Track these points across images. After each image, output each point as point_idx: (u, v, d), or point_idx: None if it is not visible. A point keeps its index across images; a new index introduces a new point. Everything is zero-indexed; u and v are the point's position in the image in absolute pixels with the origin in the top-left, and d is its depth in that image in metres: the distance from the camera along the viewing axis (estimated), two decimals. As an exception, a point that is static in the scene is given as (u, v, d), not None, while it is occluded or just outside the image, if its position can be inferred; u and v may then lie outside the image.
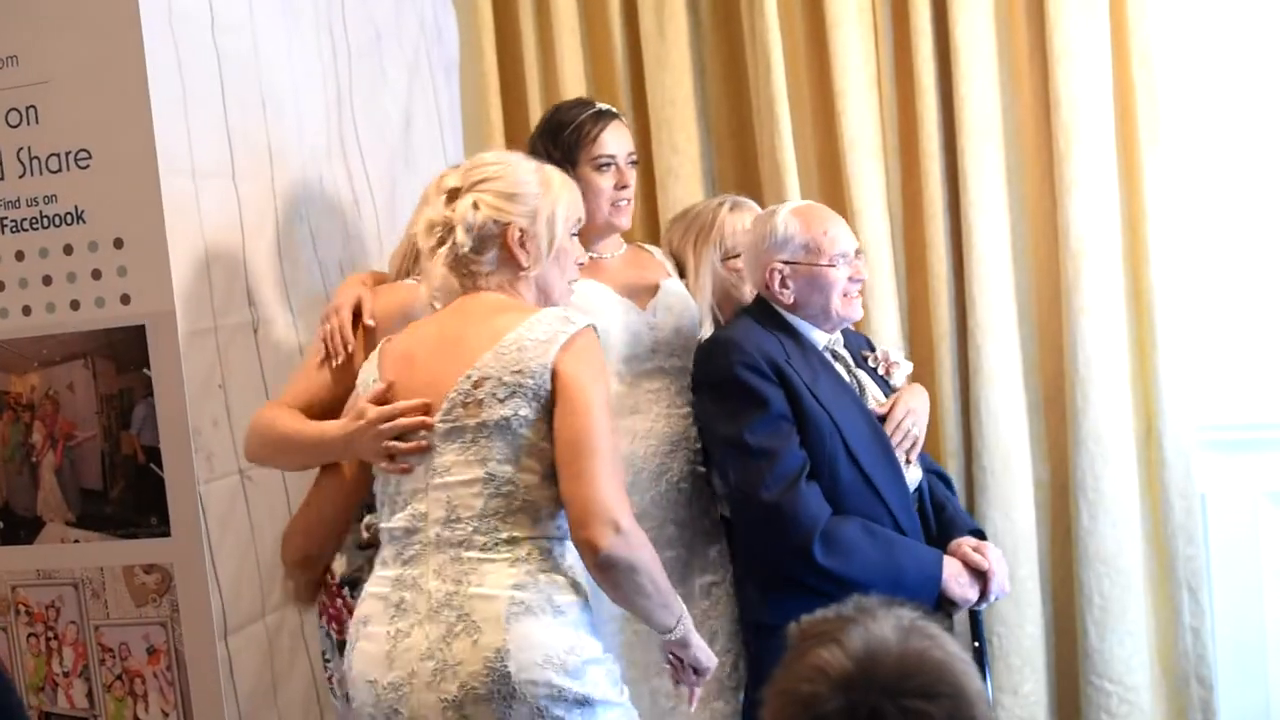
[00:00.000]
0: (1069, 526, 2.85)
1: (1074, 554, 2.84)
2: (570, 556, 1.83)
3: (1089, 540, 2.79)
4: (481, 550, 1.80)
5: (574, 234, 1.96)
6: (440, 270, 1.90)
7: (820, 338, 2.32)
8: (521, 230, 1.87)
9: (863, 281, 2.34)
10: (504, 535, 1.80)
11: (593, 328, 1.84)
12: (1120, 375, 2.80)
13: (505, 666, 1.75)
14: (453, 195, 1.90)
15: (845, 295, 2.29)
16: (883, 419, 2.28)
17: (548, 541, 1.82)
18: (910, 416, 2.26)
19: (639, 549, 1.77)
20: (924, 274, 2.93)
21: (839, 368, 2.32)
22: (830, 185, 2.98)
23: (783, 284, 2.28)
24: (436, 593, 1.79)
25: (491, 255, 1.88)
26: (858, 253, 2.34)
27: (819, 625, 1.19)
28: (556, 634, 1.77)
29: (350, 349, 2.11)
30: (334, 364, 2.11)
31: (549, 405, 1.80)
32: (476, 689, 1.75)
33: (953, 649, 1.15)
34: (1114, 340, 2.80)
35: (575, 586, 1.83)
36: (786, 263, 2.27)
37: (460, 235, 1.86)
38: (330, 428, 1.97)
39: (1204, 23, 2.88)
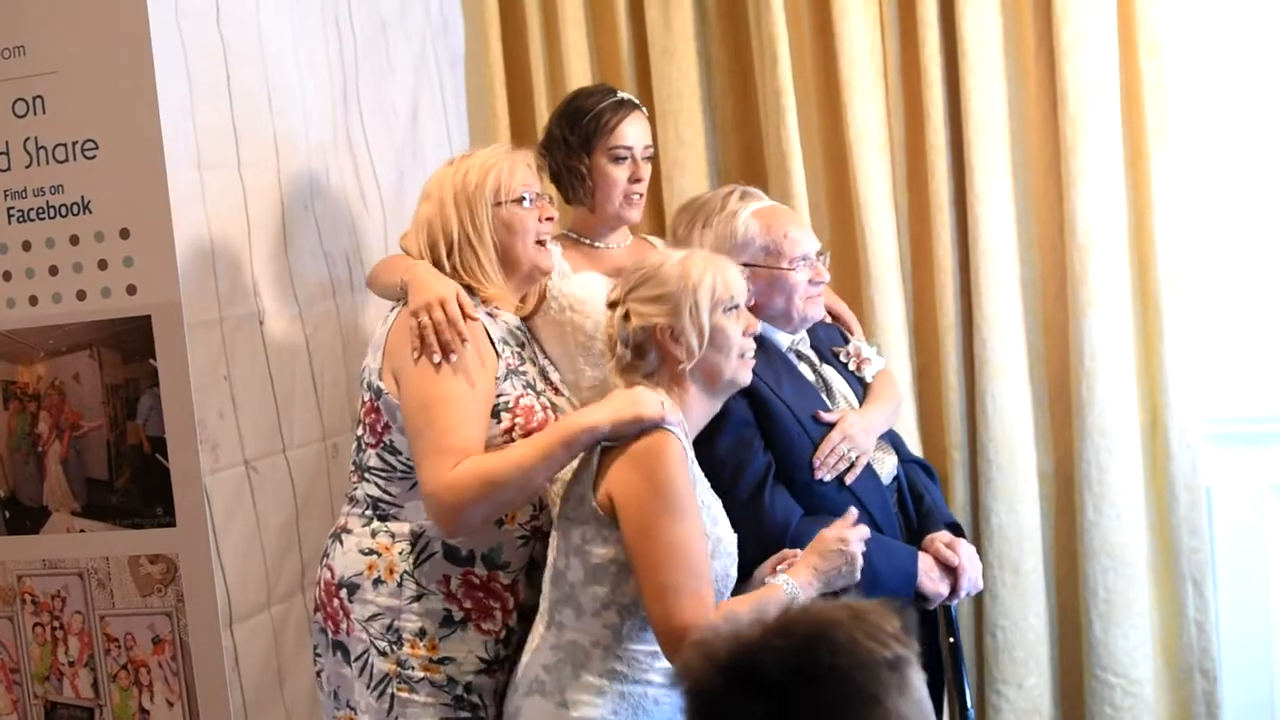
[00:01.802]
0: (1074, 519, 2.85)
1: (1078, 547, 2.84)
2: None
3: (1094, 533, 2.80)
4: None
5: (731, 308, 1.99)
6: (614, 379, 2.02)
7: (783, 339, 2.32)
8: (670, 328, 1.95)
9: (824, 283, 2.34)
10: None
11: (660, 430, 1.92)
12: (1126, 368, 2.80)
13: None
14: (612, 307, 2.02)
15: (807, 297, 2.30)
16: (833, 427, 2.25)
17: None
18: (847, 442, 2.21)
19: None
20: (930, 267, 2.93)
21: (803, 367, 2.32)
22: (836, 178, 2.98)
23: None
24: None
25: (652, 356, 1.98)
26: (819, 254, 2.33)
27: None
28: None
29: (464, 339, 2.00)
30: (450, 360, 1.98)
31: None
32: None
33: (867, 620, 1.15)
34: (1120, 333, 2.79)
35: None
36: (747, 265, 2.27)
37: (619, 348, 1.99)
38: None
39: (1212, 14, 2.88)
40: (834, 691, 1.10)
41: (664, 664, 1.92)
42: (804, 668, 1.10)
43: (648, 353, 1.98)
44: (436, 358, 1.99)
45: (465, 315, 2.03)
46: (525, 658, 2.01)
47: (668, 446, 1.89)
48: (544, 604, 2.01)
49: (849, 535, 1.95)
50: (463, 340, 2.00)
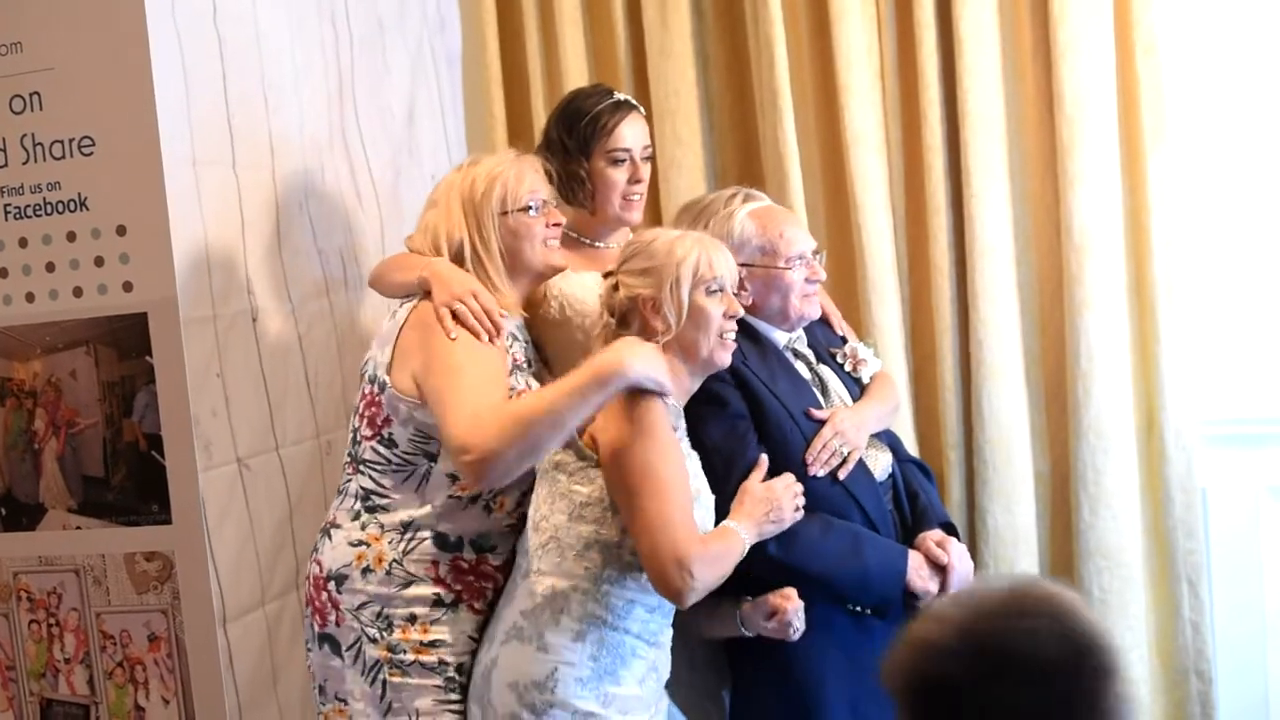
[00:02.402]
0: (1069, 520, 2.86)
1: (1074, 548, 2.84)
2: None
3: (1089, 534, 2.80)
4: None
5: (716, 289, 2.05)
6: (598, 346, 2.07)
7: (780, 337, 2.33)
8: (652, 300, 2.03)
9: (820, 281, 2.35)
10: None
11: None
12: (1122, 369, 2.80)
13: None
14: (607, 276, 2.10)
15: (803, 295, 2.31)
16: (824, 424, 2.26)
17: None
18: (839, 438, 2.22)
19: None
20: (926, 267, 2.93)
21: (800, 365, 2.33)
22: (833, 178, 2.98)
23: (740, 285, 2.29)
24: None
25: (636, 326, 2.05)
26: (815, 252, 2.35)
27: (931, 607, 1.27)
28: None
29: (499, 329, 2.07)
30: (490, 342, 2.05)
31: None
32: None
33: (1067, 590, 1.19)
34: (1116, 334, 2.79)
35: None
36: (744, 265, 2.28)
37: (604, 315, 2.09)
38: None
39: (1209, 14, 2.88)
40: (1096, 678, 1.13)
41: (642, 614, 1.98)
42: (1068, 655, 1.12)
43: (631, 322, 2.05)
44: (485, 337, 2.05)
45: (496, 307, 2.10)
46: (505, 610, 2.04)
47: (651, 399, 1.96)
48: (521, 559, 2.05)
49: (775, 485, 2.09)
50: (497, 330, 2.07)
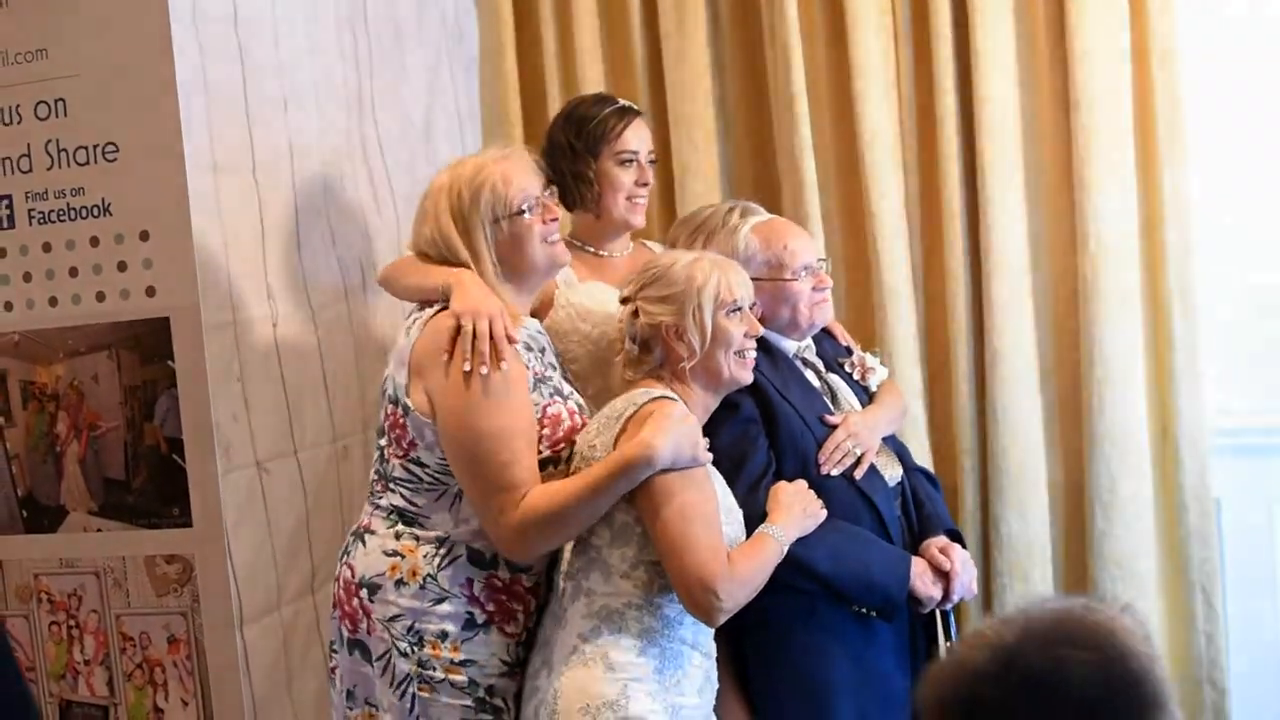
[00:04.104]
0: (1083, 529, 2.86)
1: (1088, 556, 2.84)
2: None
3: (1103, 543, 2.80)
4: None
5: (734, 310, 2.07)
6: (623, 372, 2.13)
7: (790, 345, 2.35)
8: (676, 327, 2.06)
9: (828, 288, 2.37)
10: None
11: (664, 399, 2.00)
12: (1137, 378, 2.80)
13: None
14: (624, 303, 2.12)
15: (812, 304, 2.33)
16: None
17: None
18: (851, 439, 2.24)
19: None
20: (941, 275, 2.93)
21: (809, 374, 2.35)
22: (848, 185, 2.99)
23: None
24: None
25: (658, 352, 2.08)
26: (820, 260, 2.37)
27: (976, 628, 1.24)
28: None
29: (501, 359, 1.99)
30: (482, 373, 1.98)
31: None
32: None
33: (1125, 620, 1.16)
34: (1131, 343, 2.80)
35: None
36: (752, 279, 2.29)
37: (627, 343, 2.10)
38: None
39: (1224, 22, 2.88)
40: (1140, 713, 1.11)
41: (692, 621, 2.00)
42: (1111, 689, 1.11)
43: (654, 349, 2.08)
44: (467, 366, 1.99)
45: (508, 338, 2.03)
46: (556, 635, 2.03)
47: (671, 414, 1.98)
48: (563, 581, 2.06)
49: (800, 484, 2.14)
50: (499, 360, 2.00)
